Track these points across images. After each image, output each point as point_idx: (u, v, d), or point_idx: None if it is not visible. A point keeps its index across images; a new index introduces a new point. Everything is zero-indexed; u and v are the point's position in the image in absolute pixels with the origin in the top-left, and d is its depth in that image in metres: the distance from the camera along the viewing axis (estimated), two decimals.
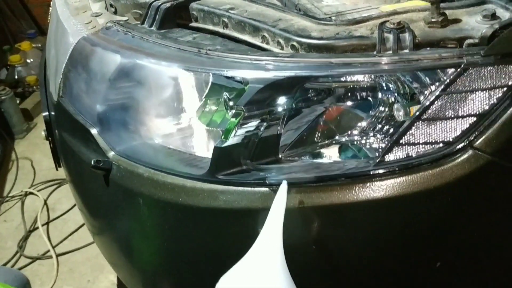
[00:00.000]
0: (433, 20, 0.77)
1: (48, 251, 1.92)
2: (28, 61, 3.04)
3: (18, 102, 2.73)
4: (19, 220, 2.09)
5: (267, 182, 0.80)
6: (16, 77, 2.98)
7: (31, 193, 2.23)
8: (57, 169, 1.38)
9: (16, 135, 2.63)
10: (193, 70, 0.85)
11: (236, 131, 0.79)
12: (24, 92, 2.90)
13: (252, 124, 0.79)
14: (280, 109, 0.79)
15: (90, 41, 1.00)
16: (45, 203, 2.16)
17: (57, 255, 1.89)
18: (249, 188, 0.81)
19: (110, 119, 0.97)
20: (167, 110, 0.92)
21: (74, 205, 2.09)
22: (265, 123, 0.79)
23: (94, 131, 0.97)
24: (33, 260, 1.90)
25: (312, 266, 0.84)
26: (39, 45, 3.14)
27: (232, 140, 0.80)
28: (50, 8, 1.35)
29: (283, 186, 0.76)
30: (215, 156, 0.82)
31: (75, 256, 1.90)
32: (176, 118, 0.92)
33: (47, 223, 2.06)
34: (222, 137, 0.81)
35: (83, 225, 1.97)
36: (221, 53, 0.83)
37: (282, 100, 0.79)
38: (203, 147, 0.91)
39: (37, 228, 2.03)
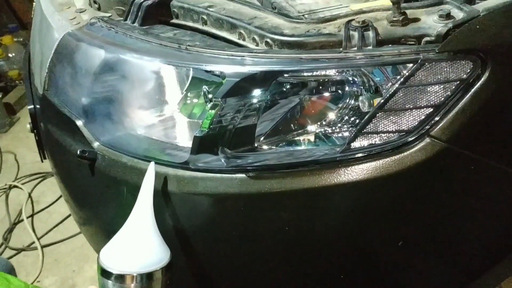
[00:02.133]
0: (394, 19, 0.83)
1: (33, 242, 1.95)
2: (10, 55, 3.03)
3: (0, 96, 2.73)
4: (3, 213, 2.11)
5: (244, 168, 0.86)
6: None
7: (15, 186, 2.25)
8: (42, 161, 1.41)
9: None
10: (174, 64, 0.90)
11: (214, 121, 0.85)
12: (7, 87, 2.89)
13: (229, 115, 0.85)
14: (255, 101, 0.85)
15: (75, 37, 1.05)
16: (30, 196, 2.19)
17: (42, 246, 1.93)
18: (227, 175, 0.87)
19: (95, 111, 1.01)
20: (150, 102, 0.98)
21: (59, 197, 2.12)
22: (241, 114, 0.85)
23: (79, 122, 1.02)
24: (18, 252, 1.93)
25: (284, 248, 0.91)
26: (21, 39, 3.13)
27: (211, 129, 0.85)
28: (34, 3, 1.38)
29: (151, 165, 0.88)
30: (194, 144, 0.87)
31: (60, 247, 1.94)
32: (158, 110, 0.97)
33: (32, 216, 2.09)
34: (201, 127, 0.87)
35: (67, 217, 2.01)
36: (200, 48, 0.89)
37: (257, 92, 0.85)
38: (184, 137, 0.96)
39: (22, 220, 2.06)
